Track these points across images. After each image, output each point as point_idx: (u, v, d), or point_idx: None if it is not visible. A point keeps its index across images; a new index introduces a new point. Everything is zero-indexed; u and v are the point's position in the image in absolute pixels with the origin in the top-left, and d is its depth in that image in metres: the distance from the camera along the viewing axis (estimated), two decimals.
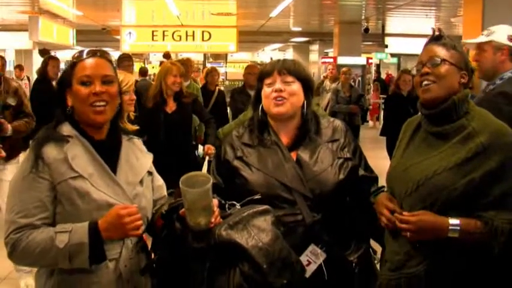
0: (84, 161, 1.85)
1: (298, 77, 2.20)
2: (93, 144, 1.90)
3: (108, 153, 1.92)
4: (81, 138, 1.88)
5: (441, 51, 1.96)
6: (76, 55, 1.93)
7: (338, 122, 2.32)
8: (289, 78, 2.18)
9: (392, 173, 2.06)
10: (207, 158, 5.07)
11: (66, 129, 1.89)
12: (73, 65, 1.91)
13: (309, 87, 2.25)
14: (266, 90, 2.19)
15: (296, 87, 2.19)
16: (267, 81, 2.19)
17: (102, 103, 1.87)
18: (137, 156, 2.02)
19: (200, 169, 5.04)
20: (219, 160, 2.25)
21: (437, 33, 2.02)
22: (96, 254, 1.78)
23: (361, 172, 2.24)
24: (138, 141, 2.09)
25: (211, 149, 4.72)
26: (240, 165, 2.17)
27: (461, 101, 1.92)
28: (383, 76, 23.01)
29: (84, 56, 1.91)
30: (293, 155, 2.17)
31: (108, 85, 1.89)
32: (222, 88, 8.12)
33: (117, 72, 1.99)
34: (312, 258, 2.06)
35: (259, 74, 2.25)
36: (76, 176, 1.81)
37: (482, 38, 3.00)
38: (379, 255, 2.23)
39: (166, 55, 8.68)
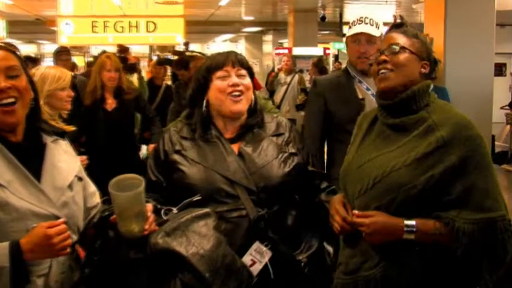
0: (0, 166, 1.77)
1: (249, 70, 2.23)
2: (9, 147, 1.81)
3: (30, 156, 1.84)
4: None
5: (401, 39, 1.96)
6: None
7: (282, 118, 2.35)
8: (243, 72, 2.20)
9: (345, 170, 2.04)
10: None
11: None
12: None
13: (253, 81, 2.28)
14: (219, 84, 2.17)
15: (249, 81, 2.21)
16: (219, 73, 2.18)
17: (10, 100, 1.78)
18: (64, 159, 1.96)
19: (144, 171, 4.98)
20: (158, 156, 2.24)
21: (398, 20, 2.03)
22: (19, 277, 1.70)
23: (310, 168, 2.27)
24: (64, 143, 2.03)
25: None
26: (178, 158, 2.16)
27: (421, 92, 1.92)
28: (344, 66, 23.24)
29: None
30: (235, 148, 2.17)
31: (14, 79, 1.80)
32: (169, 83, 8.03)
33: (23, 64, 1.88)
34: (257, 257, 2.05)
35: (208, 66, 2.22)
36: None
37: (374, 31, 2.89)
38: (332, 255, 2.25)
39: (122, 49, 8.30)
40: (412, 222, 1.81)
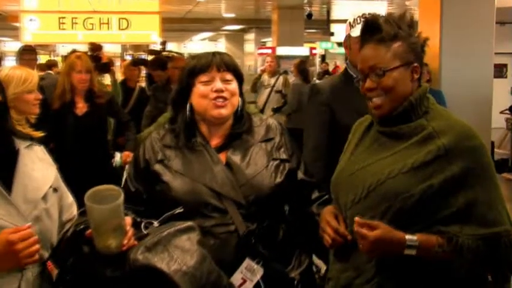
0: None
1: (236, 74, 2.23)
2: None
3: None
4: None
5: (381, 55, 1.90)
6: None
7: (272, 120, 2.35)
8: (229, 76, 2.20)
9: (337, 178, 2.05)
10: (126, 167, 4.99)
11: None
12: None
13: (241, 84, 2.28)
14: (202, 89, 2.17)
15: (235, 85, 2.21)
16: (203, 78, 2.18)
17: None
18: (38, 168, 1.95)
19: (119, 181, 4.96)
20: (137, 165, 2.24)
21: (370, 23, 1.96)
22: None
23: (300, 176, 2.27)
24: (39, 149, 2.02)
25: (130, 156, 4.65)
26: (161, 169, 2.17)
27: (419, 100, 1.92)
28: (331, 67, 23.27)
29: None
30: (222, 157, 2.18)
31: None
32: (143, 85, 8.01)
33: None
34: (248, 275, 2.05)
35: (191, 69, 2.21)
36: None
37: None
38: (323, 271, 2.26)
39: (95, 47, 8.16)
40: (414, 237, 1.80)
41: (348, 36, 2.86)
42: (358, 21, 2.81)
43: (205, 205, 2.08)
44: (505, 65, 15.36)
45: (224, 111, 2.17)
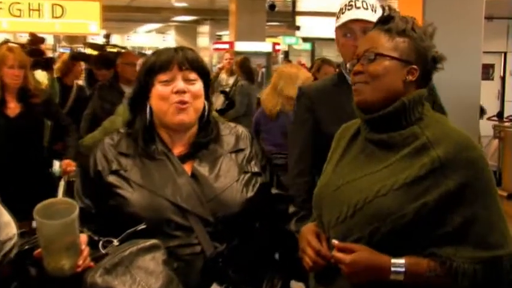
0: None
1: (202, 74, 2.22)
2: None
3: None
4: None
5: (381, 41, 1.96)
6: None
7: (242, 129, 2.36)
8: (193, 75, 2.19)
9: (320, 193, 2.05)
10: (65, 177, 4.96)
11: None
12: None
13: (208, 85, 2.28)
14: (161, 90, 2.17)
15: (199, 86, 2.21)
16: (162, 77, 2.17)
17: None
18: None
19: (55, 192, 4.94)
20: (86, 177, 2.22)
21: (386, 13, 2.00)
22: None
23: (274, 190, 2.30)
24: None
25: (71, 165, 4.63)
26: (116, 181, 2.15)
27: (413, 104, 1.94)
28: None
29: None
30: (187, 168, 2.18)
31: None
32: (82, 83, 7.96)
33: None
34: None
35: (149, 66, 2.21)
36: None
37: (371, 15, 2.65)
38: None
39: (35, 39, 7.94)
40: (401, 261, 1.82)
41: (336, 30, 2.78)
42: (343, 10, 2.74)
43: (167, 222, 2.08)
44: (492, 66, 15.34)
45: (186, 118, 2.16)
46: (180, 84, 2.15)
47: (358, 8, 2.68)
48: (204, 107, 2.23)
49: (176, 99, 2.14)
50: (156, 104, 2.18)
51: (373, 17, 2.49)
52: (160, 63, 2.18)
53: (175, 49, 2.24)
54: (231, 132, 2.31)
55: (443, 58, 2.00)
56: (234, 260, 2.11)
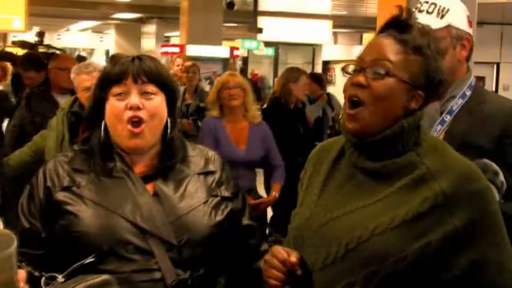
0: None
1: (162, 86, 2.26)
2: None
3: None
4: None
5: (394, 55, 1.95)
6: None
7: (212, 152, 2.41)
8: (151, 88, 2.22)
9: (302, 229, 2.05)
10: None
11: None
12: None
13: (174, 99, 2.32)
14: (114, 105, 2.21)
15: (159, 101, 2.24)
16: (116, 90, 2.21)
17: None
18: None
19: None
20: (33, 195, 2.24)
21: (404, 16, 2.00)
22: None
23: (246, 221, 2.38)
24: None
25: None
26: (67, 197, 2.18)
27: (412, 128, 1.96)
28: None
29: None
30: (150, 188, 2.22)
31: None
32: (3, 89, 7.96)
33: None
34: None
35: (103, 78, 2.26)
36: None
37: (436, 21, 2.63)
38: None
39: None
40: None
41: None
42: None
43: (124, 244, 2.11)
44: (483, 79, 15.28)
45: (140, 142, 2.21)
46: (134, 99, 2.18)
47: (421, 11, 2.68)
48: (167, 124, 2.28)
49: (129, 114, 2.17)
50: (110, 123, 2.22)
51: (438, 22, 2.61)
52: (114, 75, 2.22)
53: (133, 58, 2.26)
54: (199, 154, 2.37)
55: (447, 83, 2.05)
56: None
